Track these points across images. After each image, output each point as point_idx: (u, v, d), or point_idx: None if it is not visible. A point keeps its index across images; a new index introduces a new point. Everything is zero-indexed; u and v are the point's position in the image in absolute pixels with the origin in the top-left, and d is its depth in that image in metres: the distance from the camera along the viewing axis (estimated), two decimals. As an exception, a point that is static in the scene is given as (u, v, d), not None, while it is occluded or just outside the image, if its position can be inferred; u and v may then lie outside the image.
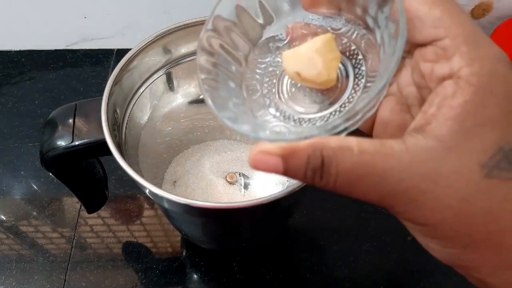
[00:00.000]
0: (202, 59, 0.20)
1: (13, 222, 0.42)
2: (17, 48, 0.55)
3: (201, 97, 0.37)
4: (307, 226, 0.41)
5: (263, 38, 0.22)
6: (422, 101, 0.19)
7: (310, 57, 0.20)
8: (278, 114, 0.21)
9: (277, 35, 0.22)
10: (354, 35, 0.20)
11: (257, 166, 0.17)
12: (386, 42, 0.18)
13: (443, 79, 0.17)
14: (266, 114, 0.21)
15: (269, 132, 0.20)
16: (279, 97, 0.22)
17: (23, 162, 0.45)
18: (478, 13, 0.49)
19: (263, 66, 0.22)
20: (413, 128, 0.17)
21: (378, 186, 0.16)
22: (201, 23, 0.31)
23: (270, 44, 0.22)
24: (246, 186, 0.38)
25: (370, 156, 0.16)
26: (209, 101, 0.19)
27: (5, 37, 0.54)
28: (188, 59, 0.33)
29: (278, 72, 0.22)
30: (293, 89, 0.21)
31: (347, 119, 0.17)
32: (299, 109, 0.21)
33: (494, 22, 0.50)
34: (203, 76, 0.20)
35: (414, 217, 0.17)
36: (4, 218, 0.43)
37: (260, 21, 0.22)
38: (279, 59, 0.22)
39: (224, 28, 0.21)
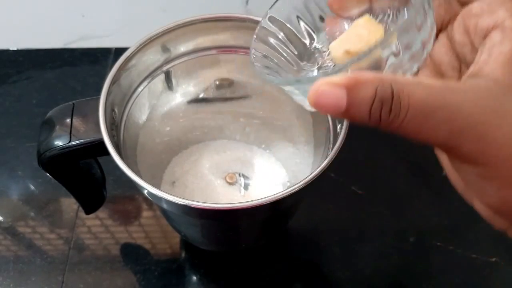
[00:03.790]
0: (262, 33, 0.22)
1: (10, 223, 0.42)
2: (15, 47, 0.55)
3: (200, 96, 0.36)
4: (308, 227, 0.41)
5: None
6: (458, 66, 0.21)
7: (356, 33, 0.20)
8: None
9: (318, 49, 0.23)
10: (390, 18, 0.21)
11: (319, 100, 0.16)
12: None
13: (487, 30, 0.18)
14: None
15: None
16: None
17: (20, 162, 0.45)
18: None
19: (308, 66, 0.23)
20: (468, 75, 0.18)
21: (449, 121, 0.16)
22: (201, 21, 0.31)
23: (312, 56, 0.23)
24: (246, 187, 0.38)
25: (441, 89, 0.16)
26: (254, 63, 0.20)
27: (2, 36, 0.54)
28: (187, 57, 0.33)
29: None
30: None
31: (411, 57, 0.18)
32: None
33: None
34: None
35: (479, 155, 0.17)
36: (1, 219, 0.42)
37: (304, 38, 0.23)
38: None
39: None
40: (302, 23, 0.23)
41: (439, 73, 0.22)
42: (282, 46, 0.23)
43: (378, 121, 0.16)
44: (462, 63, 0.21)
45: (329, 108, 0.16)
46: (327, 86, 0.16)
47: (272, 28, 0.22)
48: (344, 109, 0.16)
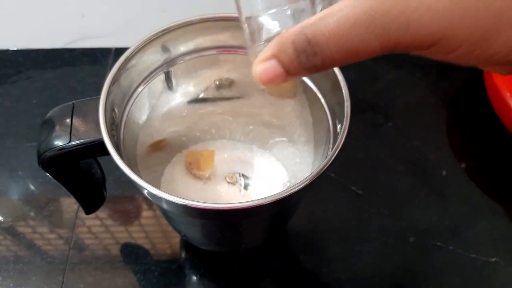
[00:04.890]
0: None
1: (10, 223, 0.42)
2: (15, 47, 0.55)
3: (200, 96, 0.36)
4: (308, 227, 0.41)
5: None
6: None
7: None
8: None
9: None
10: None
11: (263, 78, 0.18)
12: None
13: None
14: None
15: None
16: None
17: (20, 162, 0.45)
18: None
19: None
20: None
21: (372, 27, 0.16)
22: (200, 21, 0.31)
23: None
24: (246, 187, 0.38)
25: (350, 8, 0.16)
26: None
27: (2, 36, 0.54)
28: (187, 57, 0.33)
29: None
30: None
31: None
32: None
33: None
34: None
35: (418, 41, 0.17)
36: (1, 219, 0.42)
37: None
38: None
39: None
40: None
41: None
42: None
43: (316, 67, 0.17)
44: None
45: (275, 80, 0.18)
46: (260, 65, 0.18)
47: None
48: (285, 74, 0.18)
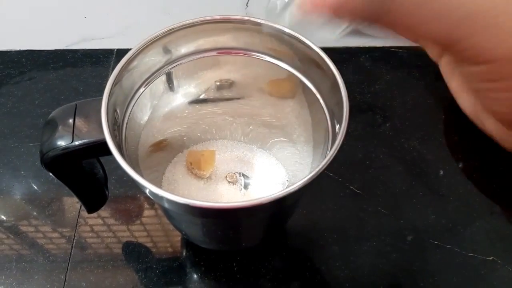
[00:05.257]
0: None
1: (13, 222, 0.42)
2: (17, 48, 0.55)
3: (201, 97, 0.37)
4: (307, 226, 0.41)
5: None
6: None
7: None
8: None
9: None
10: None
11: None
12: None
13: None
14: None
15: None
16: None
17: (23, 162, 0.46)
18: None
19: None
20: None
21: (449, 11, 0.14)
22: (202, 23, 0.31)
23: None
24: (246, 186, 0.38)
25: None
26: None
27: (4, 37, 0.54)
28: (188, 59, 0.34)
29: None
30: None
31: None
32: None
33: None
34: None
35: (481, 49, 0.15)
36: (4, 218, 0.43)
37: None
38: None
39: None
40: None
41: None
42: None
43: (371, 19, 0.17)
44: None
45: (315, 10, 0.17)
46: None
47: None
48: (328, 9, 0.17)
